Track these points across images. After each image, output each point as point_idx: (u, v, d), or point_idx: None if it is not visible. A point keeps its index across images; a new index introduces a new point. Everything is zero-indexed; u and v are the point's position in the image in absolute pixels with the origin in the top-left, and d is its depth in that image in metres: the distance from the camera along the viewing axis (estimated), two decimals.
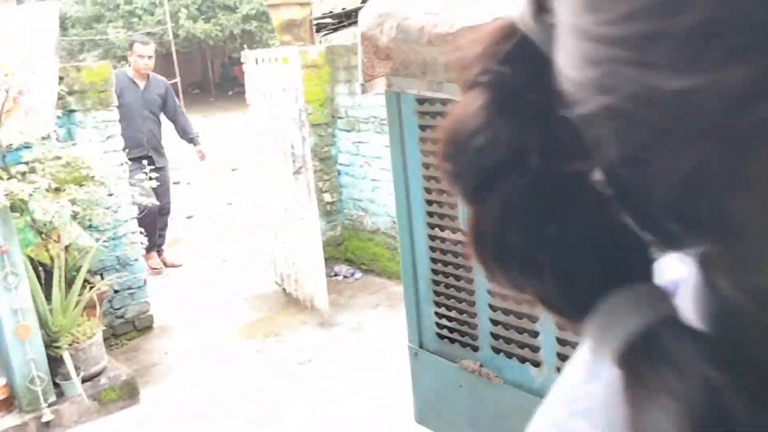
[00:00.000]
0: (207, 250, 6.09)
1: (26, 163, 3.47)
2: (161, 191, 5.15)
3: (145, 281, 4.36)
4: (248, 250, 6.14)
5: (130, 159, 4.51)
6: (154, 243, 5.29)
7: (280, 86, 4.46)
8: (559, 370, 1.55)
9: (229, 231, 6.61)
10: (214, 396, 3.51)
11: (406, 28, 1.54)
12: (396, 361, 3.56)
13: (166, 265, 5.49)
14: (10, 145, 3.55)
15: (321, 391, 3.43)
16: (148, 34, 15.46)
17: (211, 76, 22.81)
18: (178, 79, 8.82)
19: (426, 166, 1.72)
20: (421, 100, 1.70)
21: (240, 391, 3.56)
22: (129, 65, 5.31)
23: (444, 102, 1.63)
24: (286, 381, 3.60)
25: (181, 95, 8.85)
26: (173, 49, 8.75)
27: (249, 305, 4.67)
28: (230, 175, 9.44)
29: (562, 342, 1.53)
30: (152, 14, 15.69)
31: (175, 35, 13.80)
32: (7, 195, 3.05)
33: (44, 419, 3.22)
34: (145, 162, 4.65)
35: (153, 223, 5.12)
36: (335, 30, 1.78)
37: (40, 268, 3.54)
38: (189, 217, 7.15)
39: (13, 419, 3.21)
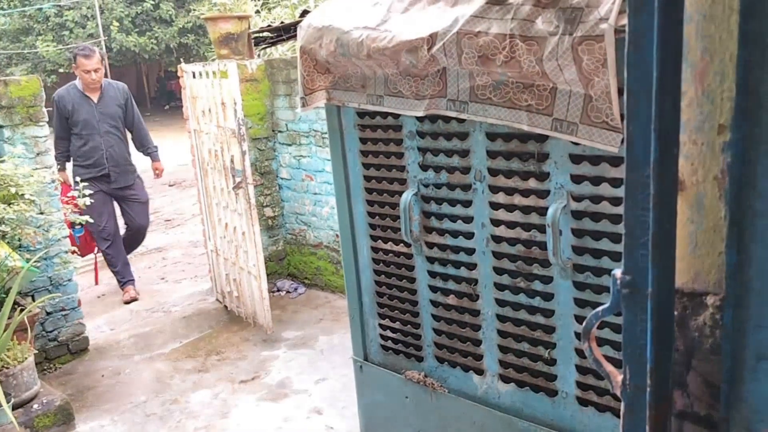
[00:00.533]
0: (144, 267, 5.92)
1: None
2: (134, 212, 4.97)
3: (79, 302, 4.19)
4: (187, 267, 6.01)
5: (88, 179, 4.47)
6: (129, 274, 5.05)
7: (219, 100, 4.41)
8: (502, 378, 1.59)
9: (168, 248, 6.45)
10: (153, 418, 3.40)
11: (346, 42, 1.56)
12: (340, 376, 3.55)
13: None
14: None
15: (265, 408, 3.38)
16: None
17: (146, 90, 22.33)
18: None
19: (367, 178, 1.73)
20: (362, 114, 1.71)
21: (180, 412, 3.46)
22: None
23: (384, 115, 1.65)
24: (229, 399, 3.52)
25: None
26: (107, 63, 8.51)
27: (189, 324, 4.55)
28: (167, 191, 9.23)
29: (504, 350, 1.56)
30: (84, 27, 15.23)
31: (108, 49, 13.44)
32: None
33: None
34: (104, 182, 4.69)
35: (123, 248, 5.04)
36: (273, 44, 1.78)
37: None
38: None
39: None
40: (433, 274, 1.66)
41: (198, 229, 6.82)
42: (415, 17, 1.49)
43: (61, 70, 15.41)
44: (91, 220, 4.45)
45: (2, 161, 3.50)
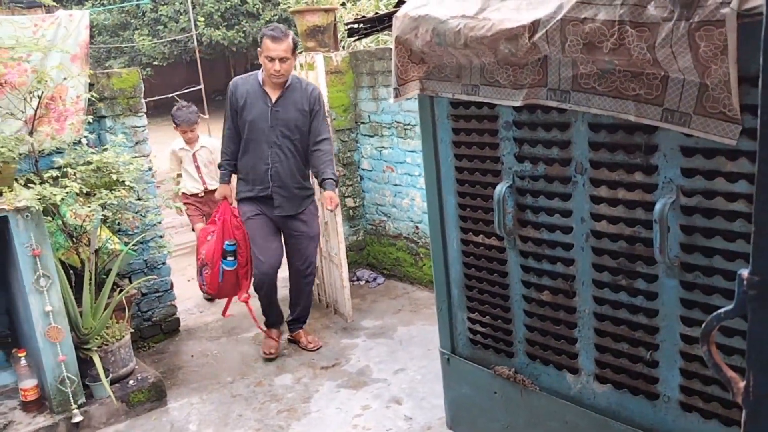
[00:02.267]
0: None
1: (58, 168, 3.52)
2: (297, 248, 3.74)
3: (171, 285, 4.39)
4: None
5: (247, 198, 3.68)
6: (274, 317, 3.95)
7: None
8: (598, 378, 1.53)
9: None
10: (239, 399, 3.52)
11: (442, 31, 1.54)
12: (419, 367, 3.54)
13: (300, 344, 4.00)
14: (42, 150, 3.60)
15: (344, 395, 3.42)
16: (174, 41, 15.72)
17: None
18: (202, 86, 8.88)
19: (459, 170, 1.71)
20: (456, 104, 1.69)
21: (264, 394, 3.56)
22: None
23: (479, 105, 1.62)
24: (311, 384, 3.59)
25: (205, 102, 8.93)
26: (197, 56, 8.84)
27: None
28: None
29: (601, 349, 1.51)
30: (177, 21, 15.88)
31: (199, 42, 13.95)
32: (39, 199, 3.09)
33: (74, 420, 3.25)
34: (268, 205, 3.66)
35: (268, 291, 3.81)
36: (367, 35, 1.78)
37: (71, 272, 3.58)
38: None
39: (44, 420, 3.24)
40: (526, 269, 1.62)
41: None
42: (515, 5, 1.45)
43: (155, 63, 16.15)
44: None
45: (105, 149, 3.70)
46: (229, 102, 3.73)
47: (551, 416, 1.63)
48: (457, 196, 1.72)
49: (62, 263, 3.50)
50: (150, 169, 4.18)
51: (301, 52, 5.42)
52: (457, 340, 1.85)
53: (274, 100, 3.60)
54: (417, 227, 4.73)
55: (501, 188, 1.57)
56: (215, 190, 4.38)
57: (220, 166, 3.92)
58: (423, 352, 3.74)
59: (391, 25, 1.82)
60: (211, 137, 4.70)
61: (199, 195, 4.74)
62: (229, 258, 3.73)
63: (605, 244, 1.44)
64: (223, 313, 4.04)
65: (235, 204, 3.88)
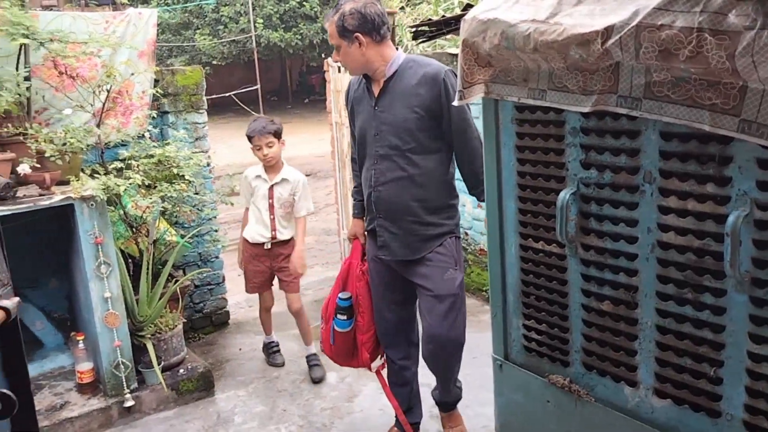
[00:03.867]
0: None
1: (122, 160, 3.65)
2: (424, 308, 2.65)
3: (223, 278, 4.49)
4: (319, 253, 6.23)
5: (368, 231, 2.78)
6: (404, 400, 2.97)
7: None
8: (657, 392, 1.50)
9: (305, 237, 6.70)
10: (284, 394, 3.57)
11: (512, 35, 1.53)
12: (464, 375, 3.51)
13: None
14: (108, 142, 3.74)
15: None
16: (233, 41, 16.11)
17: (289, 84, 23.41)
18: (258, 86, 9.05)
19: (522, 174, 1.70)
20: (521, 108, 1.68)
21: (308, 391, 3.60)
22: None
23: (545, 110, 1.61)
24: (354, 385, 3.61)
25: (261, 102, 9.10)
26: (255, 56, 9.02)
27: (320, 307, 4.72)
28: None
29: (662, 363, 1.47)
30: (237, 22, 16.27)
31: (257, 43, 14.25)
32: (104, 189, 3.21)
33: (126, 404, 3.35)
34: (374, 245, 2.71)
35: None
36: (433, 37, 1.78)
37: (129, 261, 3.71)
38: None
39: (98, 402, 3.36)
40: (587, 278, 1.59)
41: (330, 218, 7.07)
42: (588, 10, 1.43)
43: (214, 63, 16.58)
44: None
45: (167, 144, 3.82)
46: (346, 109, 2.91)
47: (605, 428, 1.60)
48: (518, 201, 1.71)
49: (122, 252, 3.62)
50: (208, 164, 4.29)
51: None
52: (510, 347, 1.83)
53: (375, 97, 2.59)
54: (467, 233, 4.70)
55: (564, 195, 1.55)
56: (287, 242, 3.75)
57: (353, 195, 3.02)
58: (468, 360, 3.70)
59: (456, 29, 1.82)
60: (298, 172, 3.78)
61: (265, 246, 3.70)
62: (340, 316, 2.82)
63: (672, 255, 1.41)
64: (370, 369, 2.97)
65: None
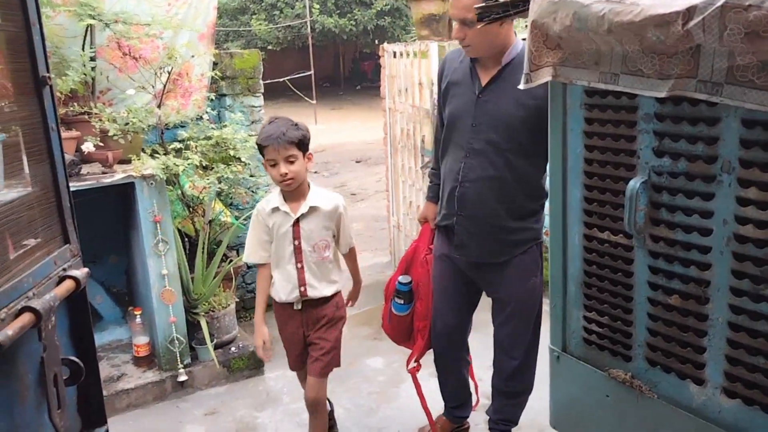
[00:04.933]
0: None
1: (181, 141, 3.72)
2: (496, 317, 2.60)
3: None
4: (368, 239, 6.25)
5: (438, 226, 2.61)
6: (451, 397, 2.95)
7: (416, 80, 4.49)
8: (725, 391, 1.43)
9: (351, 220, 6.74)
10: (331, 377, 3.60)
11: (584, 16, 1.48)
12: None
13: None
14: (168, 123, 3.82)
15: (434, 385, 3.41)
16: (289, 27, 16.23)
17: (341, 70, 23.47)
18: (312, 72, 9.11)
19: (589, 161, 1.64)
20: (591, 93, 1.62)
21: (356, 374, 3.62)
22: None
23: (617, 95, 1.55)
24: (401, 370, 3.62)
25: (314, 88, 9.16)
26: (310, 42, 9.06)
27: (368, 293, 4.73)
28: (354, 167, 9.66)
29: (732, 361, 1.41)
30: (293, 8, 16.37)
31: (312, 29, 14.33)
32: (163, 169, 3.28)
33: (180, 379, 3.44)
34: (448, 243, 2.53)
35: (444, 361, 2.83)
36: (499, 19, 1.73)
37: (186, 240, 3.79)
38: None
39: (153, 375, 3.46)
40: (655, 271, 1.53)
41: (380, 205, 7.08)
42: None
43: (269, 48, 16.75)
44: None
45: (224, 126, 3.87)
46: (438, 85, 2.64)
47: (668, 426, 1.54)
48: (584, 189, 1.66)
49: (179, 231, 3.70)
50: None
51: (414, 40, 5.42)
52: (569, 339, 1.79)
53: (484, 84, 2.34)
54: None
55: (634, 184, 1.49)
56: (329, 299, 2.65)
57: (429, 177, 2.82)
58: None
59: (524, 10, 1.77)
60: (334, 193, 2.70)
61: (294, 307, 2.63)
62: (398, 300, 2.74)
63: (749, 249, 1.34)
64: (407, 366, 2.88)
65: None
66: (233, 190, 3.93)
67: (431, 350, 2.83)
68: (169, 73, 3.63)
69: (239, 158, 3.74)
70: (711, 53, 1.32)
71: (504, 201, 2.35)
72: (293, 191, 2.51)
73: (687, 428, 1.50)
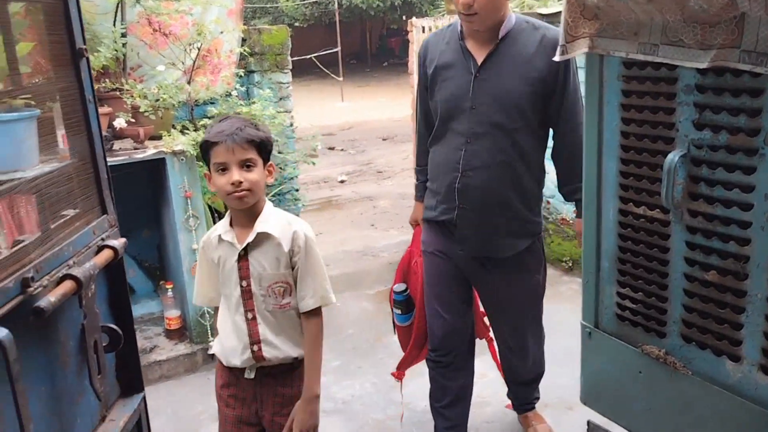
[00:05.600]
0: (357, 213, 6.27)
1: (210, 117, 3.74)
2: (497, 317, 2.50)
3: None
4: (395, 217, 6.25)
5: (428, 220, 2.39)
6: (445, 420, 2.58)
7: None
8: (762, 368, 1.41)
9: (378, 197, 6.75)
10: (359, 351, 3.63)
11: None
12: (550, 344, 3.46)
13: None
14: (197, 99, 3.84)
15: None
16: (315, 3, 16.14)
17: (368, 46, 23.29)
18: (339, 48, 9.06)
19: (625, 135, 1.61)
20: (629, 64, 1.59)
21: (382, 350, 3.64)
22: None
23: (656, 66, 1.51)
24: None
25: (341, 65, 9.12)
26: (337, 18, 9.00)
27: (393, 270, 4.76)
28: (380, 144, 9.64)
29: None
30: None
31: (339, 5, 14.23)
32: (193, 145, 3.31)
33: (210, 351, 3.50)
34: (449, 239, 2.32)
35: (443, 376, 2.55)
36: None
37: (215, 215, 3.83)
38: (341, 182, 7.40)
39: (184, 348, 3.53)
40: (692, 246, 1.51)
41: (406, 183, 7.06)
42: None
43: (296, 24, 16.68)
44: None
45: (252, 103, 3.88)
46: (417, 75, 2.46)
47: (702, 403, 1.53)
48: (620, 162, 1.63)
49: (209, 207, 3.74)
50: (291, 124, 4.34)
51: (443, 15, 5.36)
52: (601, 315, 1.77)
53: (480, 62, 2.15)
54: (548, 202, 4.58)
55: (673, 157, 1.46)
56: (291, 367, 1.95)
57: (416, 176, 2.63)
58: (552, 327, 3.66)
59: None
60: (297, 219, 1.97)
61: (246, 375, 1.94)
62: (396, 310, 2.59)
63: None
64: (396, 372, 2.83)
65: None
66: None
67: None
68: (199, 49, 3.64)
69: None
70: (756, 22, 1.28)
71: (515, 187, 2.21)
72: (245, 212, 1.85)
73: (722, 405, 1.48)
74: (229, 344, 1.92)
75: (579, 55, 1.64)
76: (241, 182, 1.77)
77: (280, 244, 1.85)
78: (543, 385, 3.10)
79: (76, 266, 1.23)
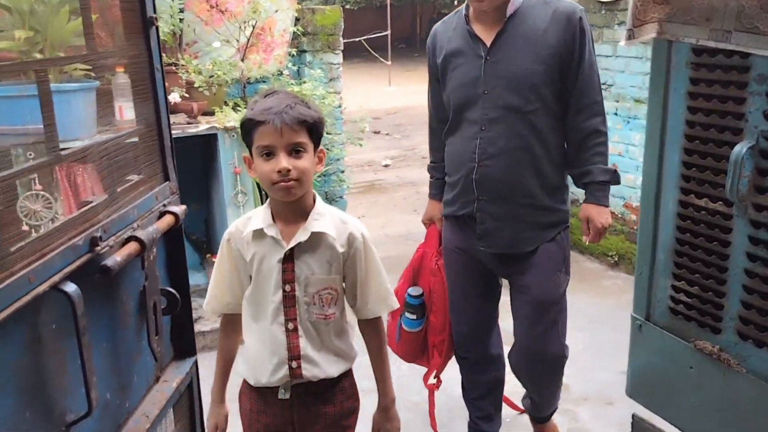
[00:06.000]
0: (400, 197, 6.27)
1: None
2: (520, 313, 2.29)
3: None
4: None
5: (449, 216, 2.30)
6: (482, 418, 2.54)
7: None
8: None
9: (421, 183, 6.73)
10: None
11: None
12: (581, 339, 3.41)
13: None
14: (250, 77, 3.88)
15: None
16: None
17: (418, 31, 23.09)
18: (389, 32, 9.03)
19: (691, 124, 1.57)
20: (698, 51, 1.54)
21: None
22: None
23: (728, 54, 1.46)
24: None
25: (389, 49, 9.10)
26: (388, 1, 8.98)
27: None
28: (426, 130, 9.61)
29: None
30: None
31: None
32: None
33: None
34: (470, 235, 2.20)
35: (473, 377, 2.53)
36: None
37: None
38: (385, 166, 7.42)
39: None
40: (755, 241, 1.46)
41: None
42: None
43: (347, 7, 16.69)
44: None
45: (303, 82, 3.91)
46: (428, 65, 2.31)
47: (756, 403, 1.49)
48: (683, 153, 1.59)
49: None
50: (340, 105, 4.36)
51: None
52: (654, 307, 1.74)
53: (489, 45, 2.05)
54: None
55: (740, 149, 1.42)
56: (335, 383, 1.70)
57: (428, 171, 2.55)
58: (585, 324, 3.61)
59: None
60: (352, 218, 1.73)
61: (280, 395, 1.67)
62: (409, 315, 2.41)
63: None
64: (424, 381, 2.63)
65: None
66: None
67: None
68: (253, 27, 3.68)
69: None
70: None
71: (535, 173, 2.09)
72: (291, 205, 1.59)
73: None
74: (259, 359, 1.65)
75: (646, 40, 1.59)
76: (289, 170, 1.50)
77: (335, 245, 1.61)
78: (583, 379, 3.07)
79: (140, 229, 1.27)
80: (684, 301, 1.64)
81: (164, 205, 1.40)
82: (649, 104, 1.66)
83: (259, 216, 1.64)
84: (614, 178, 2.16)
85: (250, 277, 1.64)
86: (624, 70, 4.16)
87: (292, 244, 1.58)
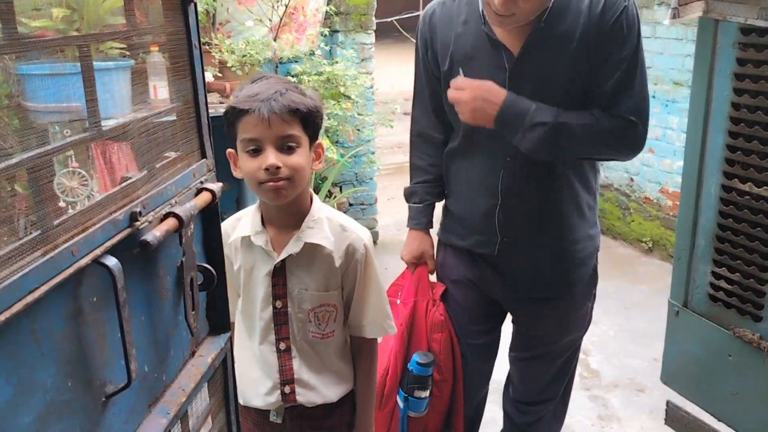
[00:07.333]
0: None
1: (294, 75, 3.78)
2: (529, 364, 1.94)
3: (375, 199, 4.60)
4: None
5: (453, 246, 1.82)
6: None
7: None
8: None
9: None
10: None
11: None
12: (612, 324, 3.38)
13: None
14: (282, 57, 3.88)
15: None
16: None
17: None
18: (420, 12, 8.93)
19: (736, 106, 1.52)
20: (746, 30, 1.49)
21: None
22: None
23: None
24: None
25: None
26: None
27: None
28: None
29: None
30: None
31: None
32: None
33: None
34: (487, 271, 1.78)
35: None
36: None
37: None
38: None
39: None
40: None
41: None
42: None
43: None
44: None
45: (335, 63, 3.89)
46: (419, 59, 1.77)
47: None
48: (728, 136, 1.54)
49: None
50: (371, 86, 4.34)
51: None
52: (692, 294, 1.70)
53: (516, 54, 1.55)
54: (632, 179, 4.43)
55: None
56: (330, 409, 1.49)
57: (407, 196, 1.89)
58: (618, 309, 3.57)
59: None
60: (354, 223, 1.48)
61: (271, 418, 1.48)
62: (419, 393, 1.77)
63: None
64: None
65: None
66: (340, 127, 3.97)
67: None
68: (286, 6, 3.66)
69: (348, 96, 3.77)
70: None
71: (572, 200, 1.65)
72: (283, 209, 1.38)
73: None
74: (249, 378, 1.43)
75: (692, 19, 1.55)
76: (278, 167, 1.29)
77: (332, 257, 1.38)
78: (614, 365, 3.04)
79: (178, 205, 1.27)
80: (724, 288, 1.60)
81: (201, 182, 1.40)
82: (692, 86, 1.61)
83: (246, 221, 1.42)
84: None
85: (236, 291, 1.44)
86: (663, 51, 4.06)
87: (283, 256, 1.37)
